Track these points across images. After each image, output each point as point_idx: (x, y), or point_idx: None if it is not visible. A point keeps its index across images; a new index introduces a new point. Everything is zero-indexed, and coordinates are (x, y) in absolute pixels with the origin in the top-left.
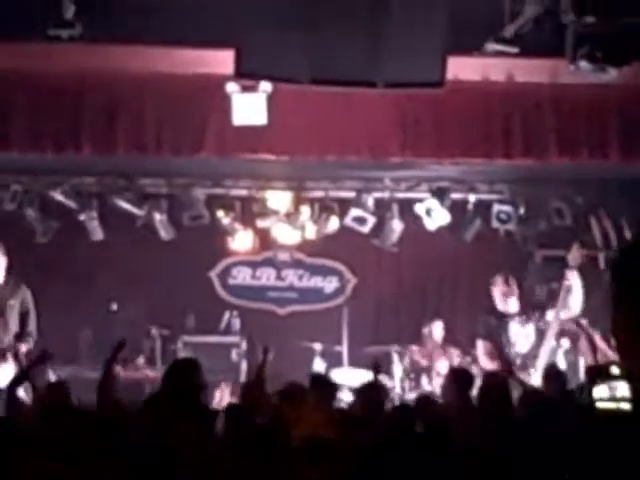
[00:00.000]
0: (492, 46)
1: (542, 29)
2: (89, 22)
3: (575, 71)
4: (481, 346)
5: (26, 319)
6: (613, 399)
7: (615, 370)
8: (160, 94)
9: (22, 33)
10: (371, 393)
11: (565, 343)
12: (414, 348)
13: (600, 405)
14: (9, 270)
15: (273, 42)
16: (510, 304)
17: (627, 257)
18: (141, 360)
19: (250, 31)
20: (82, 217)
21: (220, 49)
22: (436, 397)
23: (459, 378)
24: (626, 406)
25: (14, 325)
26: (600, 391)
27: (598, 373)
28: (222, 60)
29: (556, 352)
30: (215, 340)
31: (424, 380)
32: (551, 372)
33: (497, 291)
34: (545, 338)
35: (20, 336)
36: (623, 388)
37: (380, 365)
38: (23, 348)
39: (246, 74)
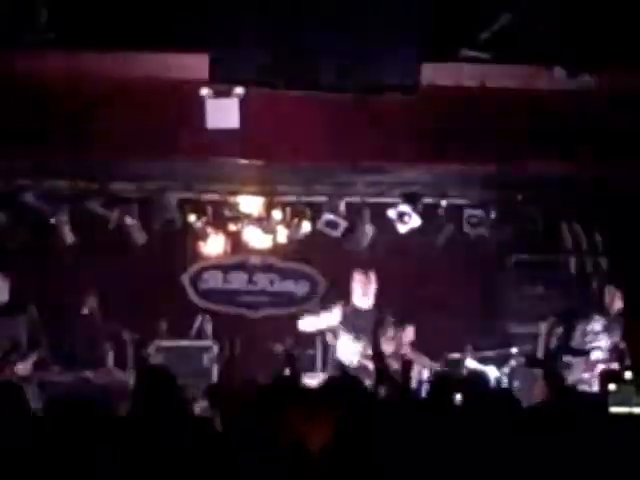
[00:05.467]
0: (466, 52)
1: (517, 35)
2: (62, 27)
3: (550, 77)
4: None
5: (33, 334)
6: (627, 403)
7: (628, 375)
8: (133, 98)
9: None
10: None
11: None
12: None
13: (614, 410)
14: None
15: (247, 47)
16: (365, 300)
17: None
18: (111, 364)
19: (224, 37)
20: (53, 221)
21: (194, 54)
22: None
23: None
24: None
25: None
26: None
27: (612, 378)
28: (196, 65)
29: None
30: (187, 344)
31: None
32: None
33: (357, 285)
34: None
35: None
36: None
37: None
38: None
39: (221, 79)
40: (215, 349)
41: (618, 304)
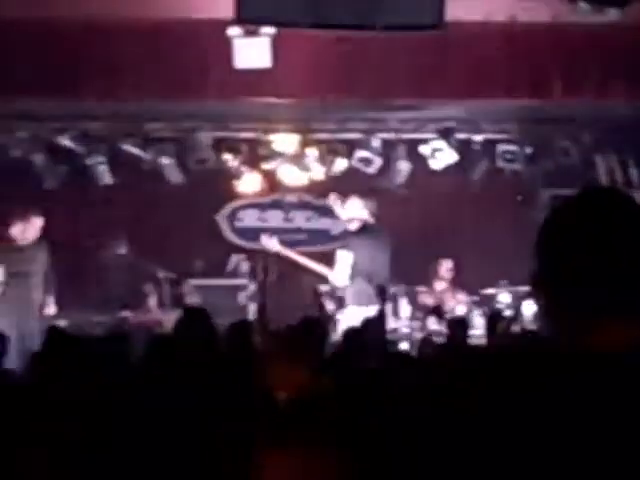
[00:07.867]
0: None
1: None
2: None
3: (576, 12)
4: None
5: (49, 275)
6: None
7: None
8: (161, 39)
9: None
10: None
11: None
12: (421, 289)
13: None
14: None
15: None
16: None
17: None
18: (150, 304)
19: None
20: (90, 162)
21: None
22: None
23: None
24: None
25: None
26: None
27: None
28: (222, 5)
29: None
30: (223, 283)
31: (431, 321)
32: None
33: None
34: None
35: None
36: None
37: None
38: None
39: (246, 20)
40: (251, 287)
41: None
